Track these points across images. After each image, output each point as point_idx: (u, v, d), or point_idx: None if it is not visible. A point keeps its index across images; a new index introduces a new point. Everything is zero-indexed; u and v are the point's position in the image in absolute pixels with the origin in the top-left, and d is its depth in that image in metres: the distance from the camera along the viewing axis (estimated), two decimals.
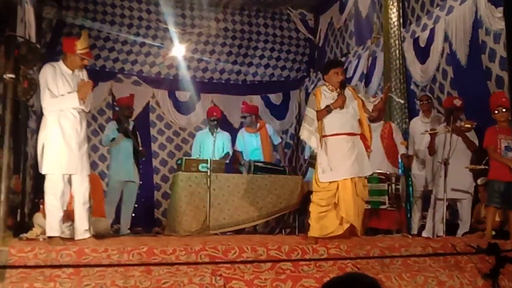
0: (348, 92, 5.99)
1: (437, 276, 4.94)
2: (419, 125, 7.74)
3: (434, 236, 6.85)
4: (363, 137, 6.04)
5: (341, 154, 5.85)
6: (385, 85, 8.57)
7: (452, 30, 7.54)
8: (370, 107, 6.12)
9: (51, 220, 5.45)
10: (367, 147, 6.09)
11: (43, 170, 5.56)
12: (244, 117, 9.03)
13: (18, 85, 5.65)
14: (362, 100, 6.06)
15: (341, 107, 5.90)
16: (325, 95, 6.01)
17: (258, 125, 8.99)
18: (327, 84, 6.09)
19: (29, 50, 5.74)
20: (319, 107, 5.95)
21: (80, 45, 5.71)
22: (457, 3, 7.49)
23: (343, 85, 5.95)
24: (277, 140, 9.16)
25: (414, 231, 7.51)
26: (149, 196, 10.46)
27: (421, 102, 7.79)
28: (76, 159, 5.60)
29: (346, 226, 5.91)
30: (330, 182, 5.84)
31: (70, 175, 5.62)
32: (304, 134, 6.00)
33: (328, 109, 5.89)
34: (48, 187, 5.54)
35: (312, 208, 5.95)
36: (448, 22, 7.63)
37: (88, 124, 8.78)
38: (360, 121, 6.04)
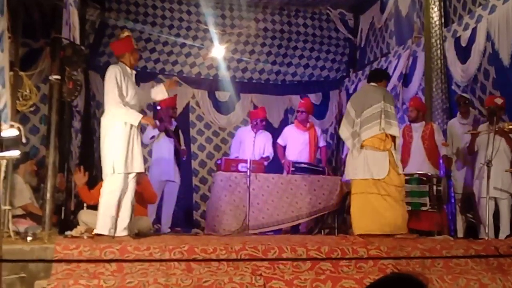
0: None
1: (479, 278, 4.88)
2: (457, 126, 7.66)
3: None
4: None
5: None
6: (426, 85, 8.50)
7: (495, 29, 7.40)
8: None
9: (103, 218, 5.55)
10: None
11: (107, 170, 5.63)
12: (301, 112, 8.99)
13: (63, 86, 5.79)
14: None
15: None
16: None
17: (308, 124, 9.00)
18: None
19: (74, 52, 5.88)
20: None
21: (134, 41, 5.98)
22: (500, 2, 7.35)
23: None
24: (322, 143, 9.15)
25: (460, 233, 7.42)
26: (188, 198, 10.50)
27: (459, 104, 7.69)
28: (137, 158, 5.72)
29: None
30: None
31: (127, 175, 5.70)
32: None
33: None
34: (108, 186, 5.63)
35: (371, 203, 6.32)
36: (491, 21, 7.50)
37: None
38: None
